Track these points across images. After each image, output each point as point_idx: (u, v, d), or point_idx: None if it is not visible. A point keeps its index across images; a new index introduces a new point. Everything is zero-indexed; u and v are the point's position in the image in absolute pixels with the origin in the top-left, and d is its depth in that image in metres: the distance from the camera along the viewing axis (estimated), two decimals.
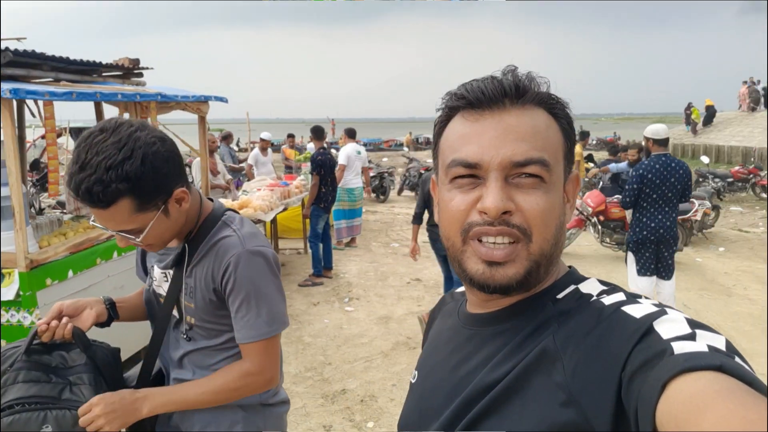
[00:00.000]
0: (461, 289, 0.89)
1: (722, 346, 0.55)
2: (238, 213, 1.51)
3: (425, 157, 20.85)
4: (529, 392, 0.64)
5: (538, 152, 0.68)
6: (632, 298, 0.65)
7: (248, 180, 8.33)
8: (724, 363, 0.51)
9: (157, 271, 1.50)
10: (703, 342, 0.54)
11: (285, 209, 6.68)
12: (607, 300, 0.65)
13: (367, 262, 7.47)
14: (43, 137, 10.56)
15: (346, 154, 7.69)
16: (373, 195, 12.82)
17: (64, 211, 4.85)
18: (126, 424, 1.29)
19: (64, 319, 1.37)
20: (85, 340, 1.38)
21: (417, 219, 4.97)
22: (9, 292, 3.16)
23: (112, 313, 1.53)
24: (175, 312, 1.46)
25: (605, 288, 0.70)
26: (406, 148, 24.49)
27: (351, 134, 8.09)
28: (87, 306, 1.46)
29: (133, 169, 1.16)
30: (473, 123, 0.70)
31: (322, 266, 6.58)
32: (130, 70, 5.35)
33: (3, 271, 3.16)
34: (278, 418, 1.56)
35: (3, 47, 3.76)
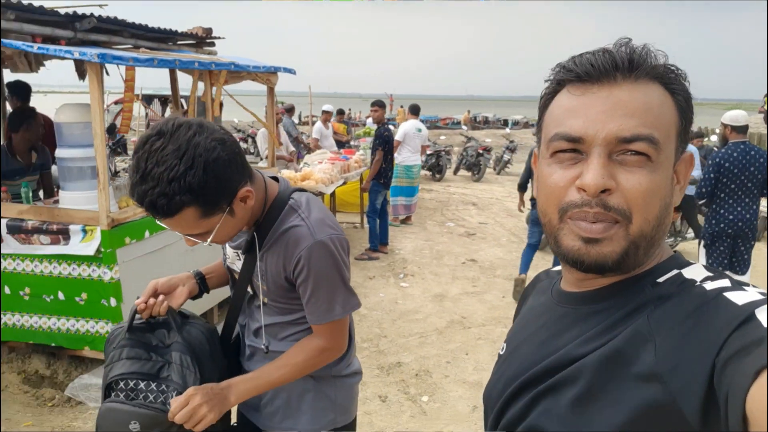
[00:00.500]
0: (557, 267, 0.88)
1: None
2: (305, 191, 1.49)
3: (483, 136, 20.52)
4: (614, 368, 0.63)
5: (647, 129, 0.64)
6: (737, 285, 0.62)
7: (308, 153, 8.44)
8: None
9: (229, 250, 1.53)
10: None
11: (344, 183, 6.74)
12: (710, 285, 0.63)
13: (423, 240, 7.47)
14: (116, 103, 11.03)
15: (404, 131, 7.67)
16: (428, 173, 12.75)
17: None
18: (221, 413, 1.32)
19: (160, 297, 1.42)
20: (177, 319, 1.42)
21: (521, 187, 5.53)
22: (88, 247, 3.34)
23: (202, 286, 1.59)
24: (249, 289, 1.49)
25: (710, 274, 0.66)
26: (464, 127, 24.12)
27: (414, 111, 8.03)
28: (180, 283, 1.51)
29: (195, 180, 1.13)
30: (580, 96, 0.68)
31: (379, 241, 6.64)
32: (203, 39, 5.48)
33: (86, 227, 3.35)
34: (349, 388, 1.59)
35: (89, 13, 3.92)
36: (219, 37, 5.61)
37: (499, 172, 14.64)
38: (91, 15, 3.93)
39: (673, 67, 0.69)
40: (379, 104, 6.75)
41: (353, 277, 5.83)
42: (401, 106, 10.83)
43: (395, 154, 7.32)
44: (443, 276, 6.00)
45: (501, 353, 0.87)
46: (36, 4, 3.51)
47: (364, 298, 5.25)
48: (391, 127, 7.49)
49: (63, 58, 3.26)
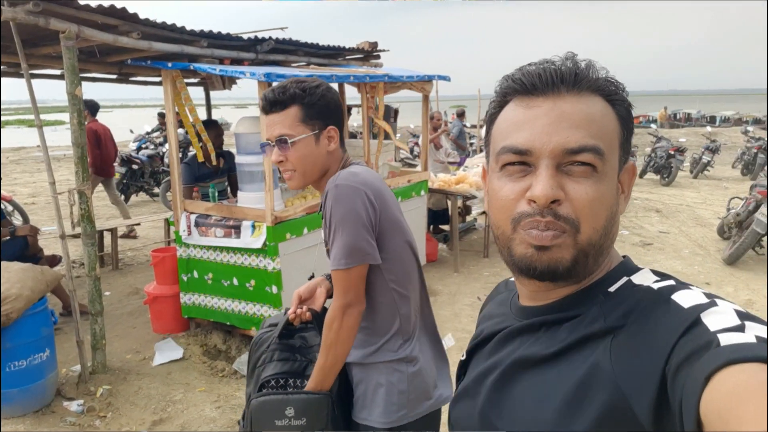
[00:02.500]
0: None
1: None
2: (365, 165, 1.64)
3: (680, 135, 18.42)
4: (567, 369, 0.65)
5: (593, 140, 0.66)
6: (683, 285, 0.64)
7: (469, 156, 8.49)
8: None
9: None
10: (751, 333, 0.53)
11: None
12: (657, 291, 0.65)
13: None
14: None
15: None
16: None
17: None
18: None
19: (305, 307, 1.61)
20: (321, 323, 1.58)
21: None
22: (257, 241, 3.84)
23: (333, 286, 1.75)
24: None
25: (657, 279, 0.68)
26: (653, 126, 21.77)
27: None
28: (317, 286, 1.70)
29: (308, 85, 1.51)
30: (526, 109, 0.69)
31: None
32: (369, 53, 5.88)
33: (255, 224, 3.86)
34: (423, 382, 1.58)
35: (268, 36, 4.50)
36: (383, 50, 5.96)
37: (696, 176, 13.04)
38: (270, 38, 4.50)
39: (612, 80, 0.70)
40: None
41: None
42: None
43: None
44: None
45: (462, 359, 0.90)
46: (224, 31, 4.14)
47: None
48: None
49: (240, 78, 3.80)
